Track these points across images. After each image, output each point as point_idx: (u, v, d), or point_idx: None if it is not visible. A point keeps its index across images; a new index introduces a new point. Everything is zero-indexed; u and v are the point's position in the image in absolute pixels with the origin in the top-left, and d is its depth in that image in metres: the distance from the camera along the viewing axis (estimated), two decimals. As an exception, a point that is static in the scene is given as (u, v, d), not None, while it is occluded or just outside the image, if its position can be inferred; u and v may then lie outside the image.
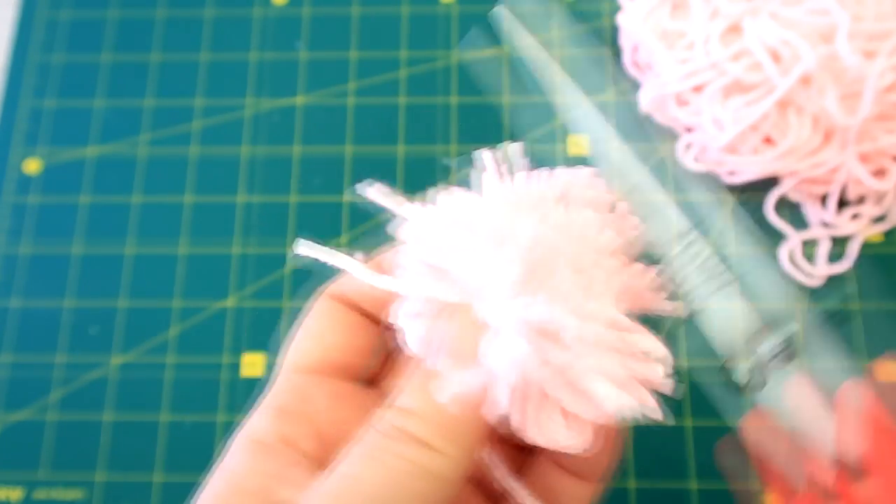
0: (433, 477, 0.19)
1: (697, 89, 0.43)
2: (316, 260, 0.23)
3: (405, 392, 0.20)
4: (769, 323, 0.21)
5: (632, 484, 0.39)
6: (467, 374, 0.19)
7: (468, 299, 0.21)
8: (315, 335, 0.23)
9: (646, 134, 0.45)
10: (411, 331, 0.21)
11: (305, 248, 0.23)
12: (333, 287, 0.25)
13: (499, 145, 0.23)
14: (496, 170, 0.23)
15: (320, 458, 0.21)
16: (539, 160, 0.43)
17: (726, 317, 0.22)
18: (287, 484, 0.20)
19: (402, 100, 0.47)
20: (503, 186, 0.23)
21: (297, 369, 0.23)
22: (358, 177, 0.46)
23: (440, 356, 0.20)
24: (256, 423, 0.22)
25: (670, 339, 0.22)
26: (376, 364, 0.25)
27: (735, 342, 0.21)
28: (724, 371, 0.20)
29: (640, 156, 0.45)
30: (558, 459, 0.22)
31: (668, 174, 0.45)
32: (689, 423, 0.40)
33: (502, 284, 0.20)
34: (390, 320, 0.22)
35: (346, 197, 0.45)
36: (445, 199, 0.23)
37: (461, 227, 0.22)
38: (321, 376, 0.23)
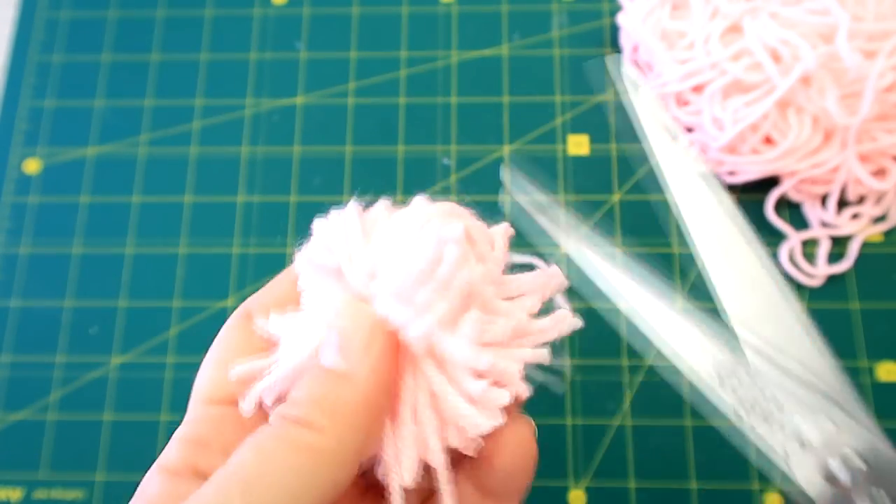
0: (312, 451, 0.19)
1: (697, 89, 0.43)
2: None
3: (296, 387, 0.21)
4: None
5: (632, 484, 0.39)
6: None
7: (365, 295, 0.21)
8: (224, 363, 0.23)
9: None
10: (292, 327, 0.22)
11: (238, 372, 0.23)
12: (245, 304, 0.25)
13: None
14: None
15: None
16: (539, 160, 0.43)
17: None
18: None
19: (402, 100, 0.47)
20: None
21: (208, 399, 0.23)
22: (358, 177, 0.46)
23: (327, 348, 0.20)
24: (169, 455, 0.21)
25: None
26: None
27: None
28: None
29: (640, 156, 0.45)
30: (477, 481, 0.22)
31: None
32: (689, 423, 0.40)
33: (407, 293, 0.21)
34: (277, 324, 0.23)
35: (347, 197, 0.45)
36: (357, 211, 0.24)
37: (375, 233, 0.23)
38: (232, 406, 0.22)
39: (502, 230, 0.24)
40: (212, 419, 0.22)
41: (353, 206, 0.24)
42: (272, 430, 0.19)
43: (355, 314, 0.21)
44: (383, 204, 0.24)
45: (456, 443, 0.21)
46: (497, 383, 0.21)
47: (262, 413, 0.23)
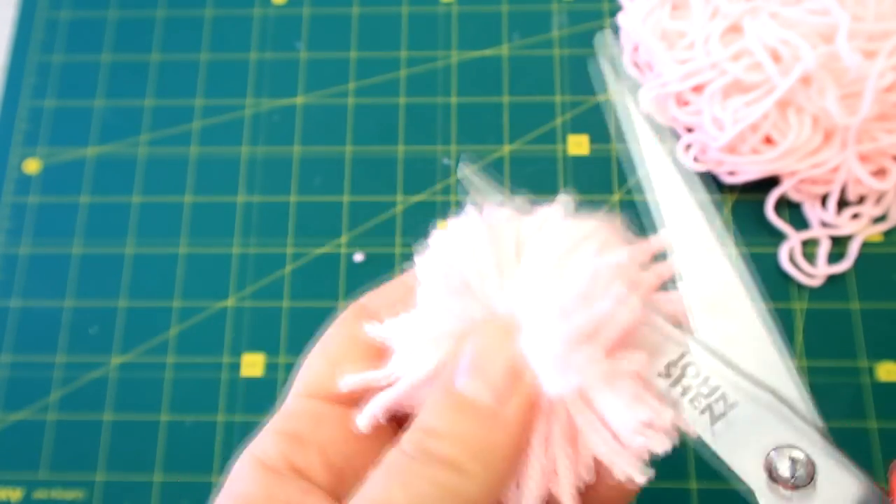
0: (462, 500, 0.18)
1: (697, 89, 0.43)
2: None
3: (430, 412, 0.19)
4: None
5: (632, 484, 0.39)
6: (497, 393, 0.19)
7: (502, 319, 0.20)
8: (333, 359, 0.22)
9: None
10: (432, 348, 0.20)
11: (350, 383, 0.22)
12: (362, 300, 0.23)
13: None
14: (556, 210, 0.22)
15: (331, 489, 0.20)
16: (539, 160, 0.43)
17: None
18: None
19: (402, 100, 0.47)
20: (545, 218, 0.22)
21: (310, 393, 0.22)
22: (358, 177, 0.46)
23: (466, 374, 0.19)
24: (265, 446, 0.21)
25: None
26: None
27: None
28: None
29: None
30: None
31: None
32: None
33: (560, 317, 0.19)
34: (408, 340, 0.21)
35: (347, 197, 0.45)
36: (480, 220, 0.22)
37: (504, 249, 0.21)
38: (334, 404, 0.22)
39: (652, 247, 0.22)
40: (311, 414, 0.21)
41: (474, 213, 0.22)
42: (417, 468, 0.18)
43: (499, 337, 0.20)
44: (506, 211, 0.22)
45: (586, 479, 0.20)
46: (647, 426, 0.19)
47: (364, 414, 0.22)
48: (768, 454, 0.20)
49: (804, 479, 0.19)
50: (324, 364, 0.22)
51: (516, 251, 0.21)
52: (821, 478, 0.19)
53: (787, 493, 0.20)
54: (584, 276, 0.19)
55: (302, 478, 0.20)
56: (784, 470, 0.20)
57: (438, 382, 0.20)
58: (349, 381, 0.21)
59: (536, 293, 0.20)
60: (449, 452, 0.18)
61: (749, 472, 0.20)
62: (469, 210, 0.22)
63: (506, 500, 0.20)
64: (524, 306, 0.20)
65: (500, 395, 0.19)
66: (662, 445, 0.19)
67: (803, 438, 0.20)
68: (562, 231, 0.21)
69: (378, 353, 0.22)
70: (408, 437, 0.19)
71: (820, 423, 0.21)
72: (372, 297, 0.24)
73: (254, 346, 0.42)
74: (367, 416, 0.21)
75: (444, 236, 0.22)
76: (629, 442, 0.19)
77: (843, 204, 0.43)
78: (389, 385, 0.21)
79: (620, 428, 0.19)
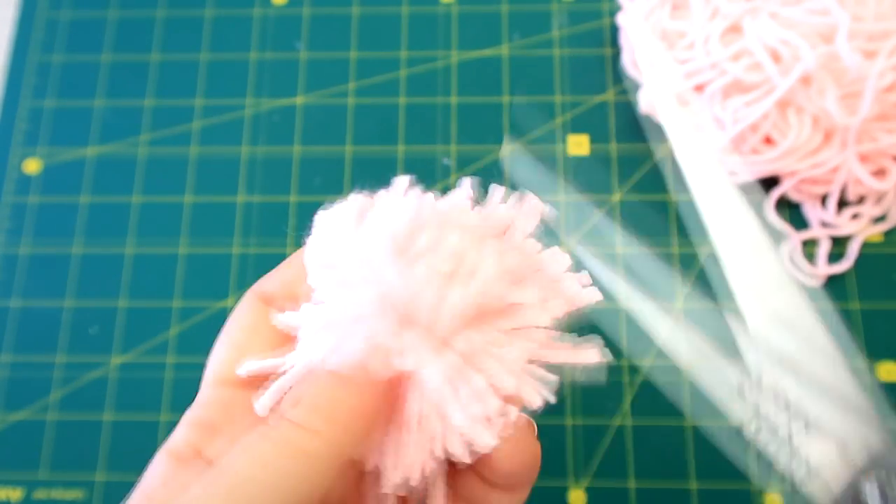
0: (305, 455, 0.18)
1: (697, 89, 0.43)
2: None
3: (296, 386, 0.20)
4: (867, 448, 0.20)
5: (632, 484, 0.39)
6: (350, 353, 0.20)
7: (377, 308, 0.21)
8: (239, 344, 0.23)
9: (646, 134, 0.45)
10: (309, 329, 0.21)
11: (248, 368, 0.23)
12: (258, 285, 0.24)
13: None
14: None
15: None
16: (539, 160, 0.43)
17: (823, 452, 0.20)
18: None
19: (402, 100, 0.47)
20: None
21: (220, 382, 0.22)
22: (358, 177, 0.46)
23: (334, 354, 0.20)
24: (176, 438, 0.21)
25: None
26: None
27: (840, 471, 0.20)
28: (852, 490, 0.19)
29: (640, 156, 0.45)
30: (481, 476, 0.22)
31: (668, 174, 0.45)
32: (688, 423, 0.40)
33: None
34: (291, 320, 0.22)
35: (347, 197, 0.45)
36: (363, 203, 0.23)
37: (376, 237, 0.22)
38: (246, 389, 0.22)
39: (528, 211, 0.23)
40: (222, 402, 0.22)
41: (352, 199, 0.23)
42: (265, 431, 0.19)
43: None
44: (380, 197, 0.23)
45: (458, 451, 0.20)
46: (509, 398, 0.21)
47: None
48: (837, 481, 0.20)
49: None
50: (230, 351, 0.23)
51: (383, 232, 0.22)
52: None
53: None
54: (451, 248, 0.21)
55: (209, 465, 0.20)
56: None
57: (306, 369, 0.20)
58: (248, 367, 0.22)
59: (388, 273, 0.20)
60: (299, 415, 0.19)
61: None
62: (348, 198, 0.23)
63: (381, 477, 0.21)
64: (382, 289, 0.20)
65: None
66: (515, 413, 0.20)
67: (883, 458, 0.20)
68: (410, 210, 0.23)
69: (282, 338, 0.23)
70: (275, 411, 0.20)
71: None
72: (268, 281, 0.24)
73: (254, 346, 0.42)
74: (265, 402, 0.21)
75: (319, 222, 0.23)
76: (487, 415, 0.20)
77: (843, 204, 0.43)
78: (286, 371, 0.22)
79: (472, 405, 0.20)
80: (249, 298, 0.24)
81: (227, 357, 0.23)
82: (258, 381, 0.22)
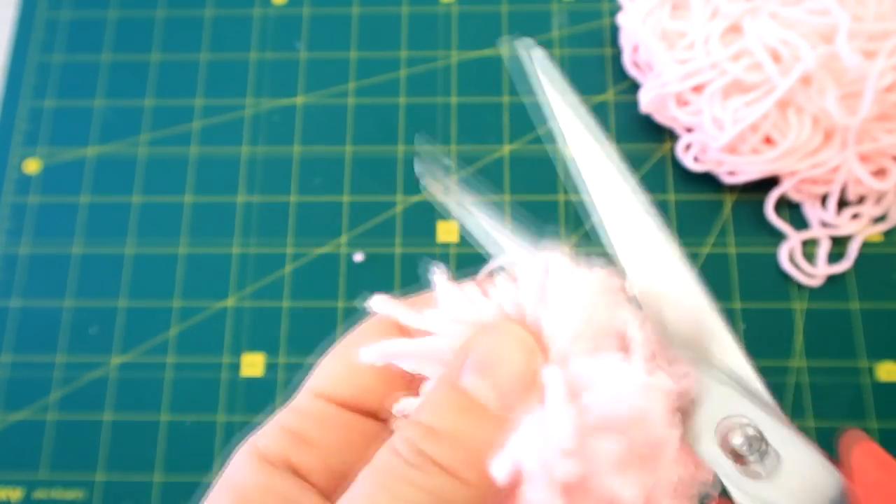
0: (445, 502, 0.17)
1: (697, 89, 0.43)
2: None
3: (429, 408, 0.18)
4: None
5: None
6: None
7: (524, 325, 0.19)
8: (354, 367, 0.21)
9: (646, 134, 0.45)
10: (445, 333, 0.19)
11: (380, 304, 0.21)
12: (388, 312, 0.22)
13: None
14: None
15: (329, 493, 0.19)
16: (539, 160, 0.43)
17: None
18: None
19: (402, 100, 0.47)
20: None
21: (322, 394, 0.21)
22: (358, 177, 0.46)
23: (474, 371, 0.18)
24: (267, 441, 0.20)
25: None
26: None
27: None
28: None
29: (640, 156, 0.45)
30: None
31: (668, 174, 0.45)
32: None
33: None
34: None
35: (347, 197, 0.45)
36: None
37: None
38: (344, 409, 0.21)
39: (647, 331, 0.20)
40: (319, 415, 0.21)
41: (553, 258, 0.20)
42: (408, 473, 0.17)
43: (516, 339, 0.18)
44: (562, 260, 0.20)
45: None
46: None
47: (373, 424, 0.21)
48: (721, 428, 0.20)
49: (759, 452, 0.19)
50: (340, 367, 0.21)
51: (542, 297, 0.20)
52: (782, 457, 0.19)
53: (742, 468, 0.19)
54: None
55: (298, 477, 0.20)
56: (739, 444, 0.19)
57: (442, 377, 0.19)
58: (370, 351, 0.20)
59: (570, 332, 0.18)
60: (445, 457, 0.17)
61: (708, 452, 0.19)
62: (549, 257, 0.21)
63: None
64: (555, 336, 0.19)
65: (508, 402, 0.17)
66: None
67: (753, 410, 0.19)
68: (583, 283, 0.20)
69: (399, 374, 0.21)
70: (402, 435, 0.18)
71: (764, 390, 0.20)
72: (401, 311, 0.22)
73: (254, 346, 0.42)
74: (373, 353, 0.20)
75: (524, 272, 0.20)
76: None
77: (843, 204, 0.43)
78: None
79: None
80: (373, 322, 0.22)
81: (335, 372, 0.21)
82: (360, 406, 0.21)
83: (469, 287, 0.21)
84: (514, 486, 0.17)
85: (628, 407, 0.17)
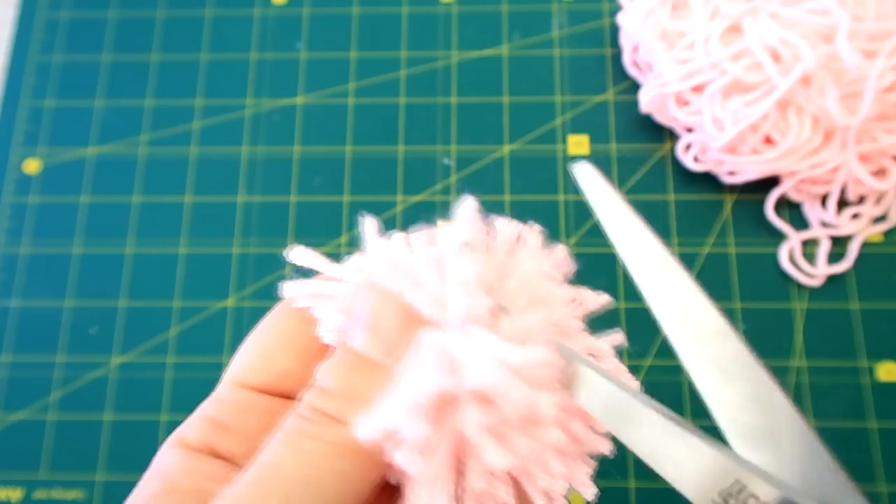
0: (354, 453, 0.18)
1: (697, 89, 0.43)
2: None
3: (324, 371, 0.20)
4: None
5: (632, 484, 0.39)
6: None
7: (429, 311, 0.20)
8: (267, 350, 0.22)
9: (646, 134, 0.45)
10: (329, 316, 0.21)
11: (299, 255, 0.22)
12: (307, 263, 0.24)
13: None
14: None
15: None
16: (539, 160, 0.43)
17: None
18: (223, 483, 0.19)
19: (402, 100, 0.47)
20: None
21: (241, 384, 0.22)
22: (358, 177, 0.46)
23: (360, 329, 0.19)
24: (189, 430, 0.21)
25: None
26: None
27: None
28: None
29: (640, 156, 0.45)
30: None
31: (668, 174, 0.45)
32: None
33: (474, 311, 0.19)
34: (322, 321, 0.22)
35: (347, 197, 0.45)
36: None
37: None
38: (263, 395, 0.22)
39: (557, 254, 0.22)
40: (240, 403, 0.22)
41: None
42: (307, 428, 0.18)
43: (389, 298, 0.20)
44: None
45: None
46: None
47: (289, 406, 0.22)
48: None
49: None
50: (257, 355, 0.22)
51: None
52: None
53: None
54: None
55: (219, 460, 0.20)
56: None
57: (338, 346, 0.20)
58: (299, 253, 0.22)
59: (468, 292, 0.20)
60: (337, 409, 0.18)
61: None
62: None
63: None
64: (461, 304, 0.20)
65: (392, 348, 0.19)
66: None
67: None
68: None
69: (315, 351, 0.22)
70: (302, 399, 0.19)
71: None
72: (318, 260, 0.24)
73: (254, 346, 0.42)
74: (294, 290, 0.21)
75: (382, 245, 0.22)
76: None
77: (843, 204, 0.43)
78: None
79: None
80: (284, 307, 0.23)
81: (252, 360, 0.22)
82: (280, 393, 0.22)
83: (395, 239, 0.22)
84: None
85: (488, 379, 0.18)
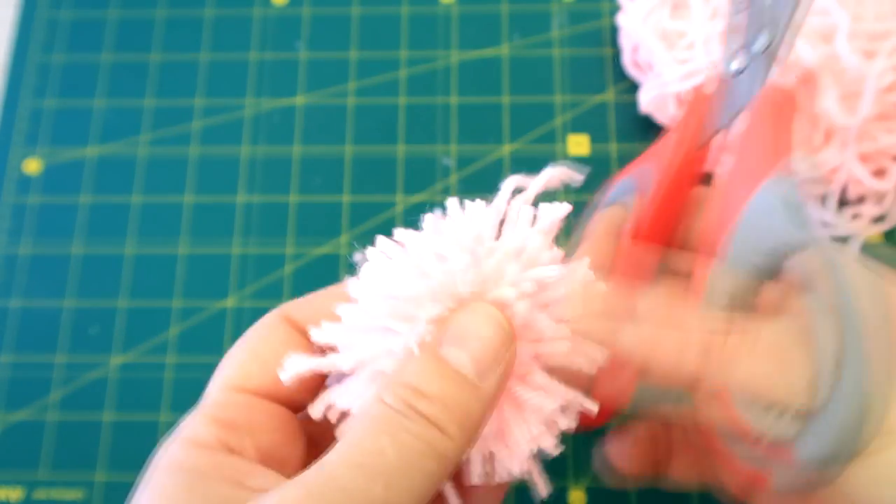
0: (441, 459, 0.19)
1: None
2: None
3: (415, 372, 0.20)
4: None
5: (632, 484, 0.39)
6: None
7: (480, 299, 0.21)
8: (259, 355, 0.23)
9: (646, 134, 0.45)
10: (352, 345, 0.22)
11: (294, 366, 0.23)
12: (286, 307, 0.25)
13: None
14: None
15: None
16: (539, 160, 0.43)
17: None
18: (257, 474, 0.20)
19: (402, 100, 0.47)
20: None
21: (235, 388, 0.23)
22: (358, 177, 0.46)
23: (452, 343, 0.20)
24: (201, 430, 0.21)
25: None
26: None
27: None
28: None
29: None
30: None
31: (668, 174, 0.45)
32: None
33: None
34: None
35: (347, 197, 0.45)
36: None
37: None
38: (260, 398, 0.23)
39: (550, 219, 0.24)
40: (241, 406, 0.22)
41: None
42: (406, 423, 0.19)
43: (486, 316, 0.21)
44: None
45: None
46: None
47: (286, 412, 0.23)
48: None
49: None
50: (249, 360, 0.23)
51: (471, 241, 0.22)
52: None
53: None
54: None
55: (237, 456, 0.21)
56: None
57: (423, 345, 0.21)
58: (292, 369, 0.22)
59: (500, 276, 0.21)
60: (434, 413, 0.19)
61: None
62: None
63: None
64: (489, 288, 0.21)
65: (482, 370, 0.20)
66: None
67: None
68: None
69: (321, 353, 0.23)
70: (389, 392, 0.20)
71: None
72: (297, 306, 0.25)
73: (254, 346, 0.42)
74: (320, 407, 0.22)
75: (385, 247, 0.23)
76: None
77: (843, 204, 0.43)
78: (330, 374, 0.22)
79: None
80: (275, 316, 0.24)
81: (247, 367, 0.23)
82: (273, 397, 0.23)
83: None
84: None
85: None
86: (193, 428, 0.21)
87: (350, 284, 0.23)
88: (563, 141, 0.45)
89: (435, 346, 0.20)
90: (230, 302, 0.43)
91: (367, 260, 0.23)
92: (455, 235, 0.22)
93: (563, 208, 0.23)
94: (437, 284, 0.21)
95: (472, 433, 0.20)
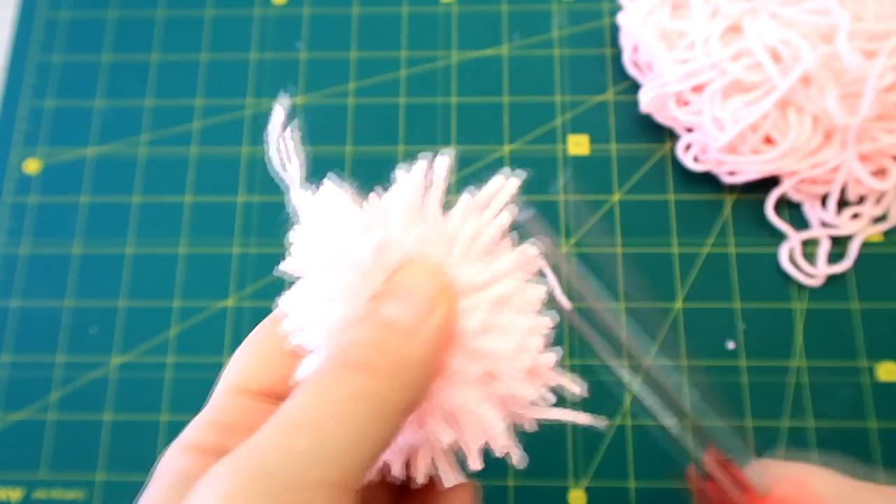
0: (374, 399, 0.19)
1: (697, 89, 0.43)
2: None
3: (353, 330, 0.20)
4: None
5: (632, 484, 0.39)
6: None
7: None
8: (260, 358, 0.23)
9: (646, 134, 0.45)
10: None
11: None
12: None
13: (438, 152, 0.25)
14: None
15: None
16: (539, 160, 0.43)
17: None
18: None
19: (402, 100, 0.47)
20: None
21: (238, 391, 0.23)
22: (358, 177, 0.46)
23: (392, 300, 0.21)
24: (194, 435, 0.21)
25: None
26: None
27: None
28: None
29: (640, 156, 0.45)
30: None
31: (668, 174, 0.45)
32: (689, 422, 0.40)
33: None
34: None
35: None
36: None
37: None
38: (261, 401, 0.23)
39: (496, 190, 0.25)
40: (241, 409, 0.22)
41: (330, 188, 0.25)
42: (334, 374, 0.19)
43: (428, 270, 0.21)
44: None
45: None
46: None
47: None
48: None
49: None
50: (251, 363, 0.23)
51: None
52: None
53: None
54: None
55: None
56: None
57: (361, 314, 0.21)
58: (270, 357, 0.23)
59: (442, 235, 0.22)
60: (363, 356, 0.19)
61: None
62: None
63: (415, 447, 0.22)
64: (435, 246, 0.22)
65: (418, 317, 0.20)
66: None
67: None
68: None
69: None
70: (328, 355, 0.20)
71: None
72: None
73: (254, 346, 0.42)
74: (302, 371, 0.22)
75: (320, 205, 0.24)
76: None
77: (843, 204, 0.43)
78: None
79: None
80: (276, 317, 0.24)
81: (247, 368, 0.23)
82: (275, 392, 0.23)
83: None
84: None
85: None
86: (190, 433, 0.22)
87: (296, 257, 0.23)
88: (563, 141, 0.45)
89: (374, 308, 0.21)
90: (230, 302, 0.43)
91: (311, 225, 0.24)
92: (397, 202, 0.23)
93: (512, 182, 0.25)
94: (377, 249, 0.21)
95: (413, 376, 0.20)
